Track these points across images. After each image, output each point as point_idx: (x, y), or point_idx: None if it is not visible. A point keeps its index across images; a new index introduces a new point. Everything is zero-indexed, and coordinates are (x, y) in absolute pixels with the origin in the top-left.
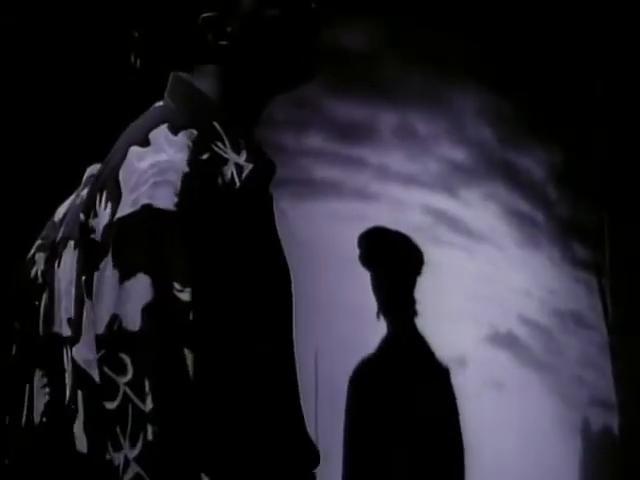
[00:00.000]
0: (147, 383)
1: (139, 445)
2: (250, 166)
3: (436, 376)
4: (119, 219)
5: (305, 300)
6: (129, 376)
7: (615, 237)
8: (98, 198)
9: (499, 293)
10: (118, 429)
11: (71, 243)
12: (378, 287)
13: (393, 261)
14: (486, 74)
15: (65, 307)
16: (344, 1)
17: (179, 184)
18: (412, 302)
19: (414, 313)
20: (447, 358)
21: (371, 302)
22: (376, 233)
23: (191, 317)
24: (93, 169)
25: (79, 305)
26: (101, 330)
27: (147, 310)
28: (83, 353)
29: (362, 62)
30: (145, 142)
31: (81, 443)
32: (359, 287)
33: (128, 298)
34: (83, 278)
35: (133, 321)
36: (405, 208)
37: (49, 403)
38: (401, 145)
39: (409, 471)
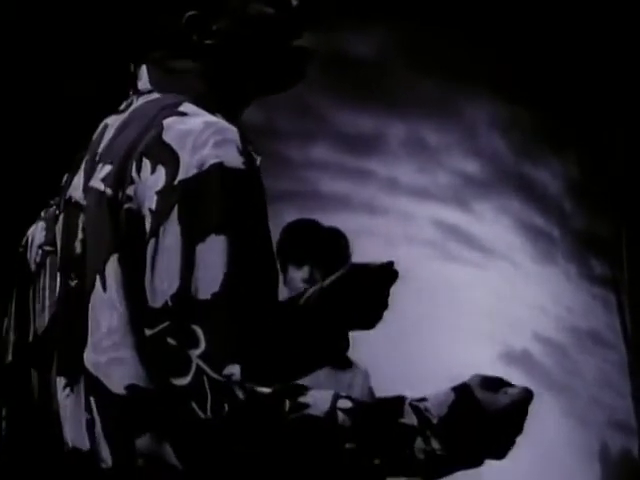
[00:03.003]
0: (227, 353)
1: (225, 412)
2: (259, 158)
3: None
4: (184, 181)
5: None
6: (202, 348)
7: (633, 252)
8: (134, 166)
9: (513, 310)
10: (194, 405)
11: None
12: (286, 283)
13: (307, 259)
14: (499, 83)
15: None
16: (353, 9)
17: (239, 143)
18: None
19: None
20: (460, 377)
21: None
22: (291, 228)
23: (269, 276)
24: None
25: (80, 302)
26: (159, 302)
27: (229, 275)
28: (90, 357)
29: (370, 71)
30: (180, 113)
31: (106, 455)
32: None
33: (201, 263)
34: (114, 257)
35: (207, 288)
36: (415, 222)
37: (3, 440)
38: (411, 157)
39: None
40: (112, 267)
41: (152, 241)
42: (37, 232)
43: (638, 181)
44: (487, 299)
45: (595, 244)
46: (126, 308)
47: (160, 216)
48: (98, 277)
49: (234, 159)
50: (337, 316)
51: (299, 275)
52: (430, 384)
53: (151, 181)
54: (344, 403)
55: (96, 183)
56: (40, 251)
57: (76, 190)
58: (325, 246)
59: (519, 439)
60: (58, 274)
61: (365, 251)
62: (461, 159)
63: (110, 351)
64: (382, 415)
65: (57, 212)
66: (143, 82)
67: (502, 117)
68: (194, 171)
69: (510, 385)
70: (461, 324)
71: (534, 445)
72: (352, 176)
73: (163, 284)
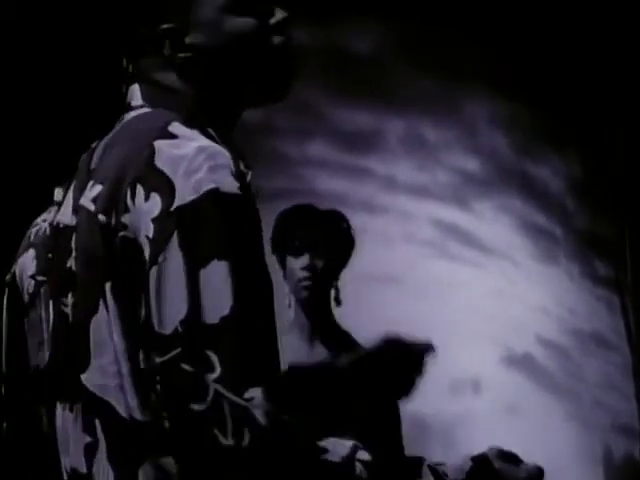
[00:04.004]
0: (244, 375)
1: (247, 437)
2: (250, 173)
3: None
4: (181, 207)
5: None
6: (218, 372)
7: (637, 252)
8: (129, 193)
9: (514, 312)
10: (216, 430)
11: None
12: (286, 277)
13: (305, 246)
14: (500, 79)
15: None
16: (350, 5)
17: (233, 167)
18: (330, 297)
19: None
20: (460, 381)
21: (372, 319)
22: (285, 216)
23: (271, 297)
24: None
25: (82, 326)
26: (169, 329)
27: (235, 298)
28: (95, 379)
29: (368, 67)
30: (170, 135)
31: (108, 478)
32: (364, 303)
33: (207, 288)
34: (108, 285)
35: (216, 313)
36: (414, 221)
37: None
38: (409, 154)
39: None
40: (108, 294)
41: (154, 269)
42: (27, 261)
43: None
44: (487, 300)
45: (598, 244)
46: (120, 337)
47: (159, 243)
48: (101, 300)
49: (229, 184)
50: (377, 388)
51: (298, 264)
52: (429, 386)
53: (146, 208)
54: (363, 455)
55: (86, 202)
56: (33, 281)
57: (64, 215)
58: (324, 230)
59: (521, 443)
60: (50, 302)
61: (363, 250)
62: (461, 157)
63: (116, 377)
64: (400, 474)
65: (46, 252)
66: (136, 100)
67: (502, 114)
68: (190, 197)
69: (522, 461)
70: (460, 325)
71: (537, 449)
72: (350, 174)
73: (171, 310)
